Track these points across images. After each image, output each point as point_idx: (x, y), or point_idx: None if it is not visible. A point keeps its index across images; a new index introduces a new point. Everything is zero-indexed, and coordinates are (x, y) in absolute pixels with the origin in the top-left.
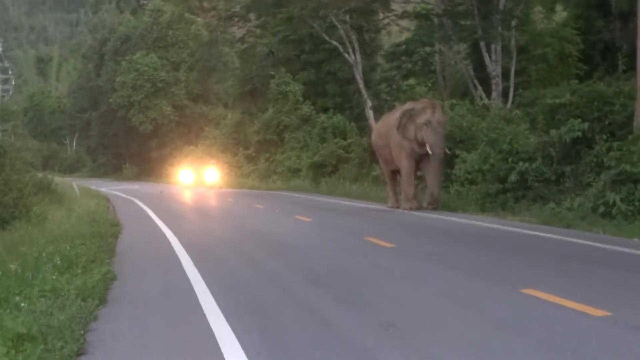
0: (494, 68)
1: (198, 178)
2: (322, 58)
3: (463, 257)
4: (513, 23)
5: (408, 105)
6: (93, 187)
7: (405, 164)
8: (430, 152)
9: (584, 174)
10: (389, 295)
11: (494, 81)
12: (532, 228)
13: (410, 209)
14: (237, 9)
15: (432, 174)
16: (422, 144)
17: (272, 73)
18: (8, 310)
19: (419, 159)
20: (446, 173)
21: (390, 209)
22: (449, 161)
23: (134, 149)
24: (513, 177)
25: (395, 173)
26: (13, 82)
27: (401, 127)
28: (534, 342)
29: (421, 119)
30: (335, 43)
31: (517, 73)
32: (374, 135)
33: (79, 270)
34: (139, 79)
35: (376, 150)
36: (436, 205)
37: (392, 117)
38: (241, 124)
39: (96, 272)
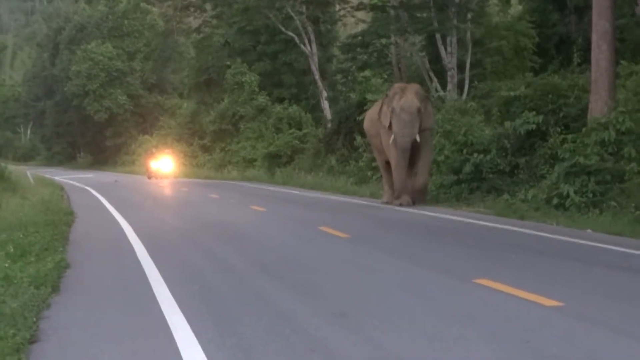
0: (449, 60)
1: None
2: (278, 49)
3: (417, 248)
4: (469, 16)
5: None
6: (47, 176)
7: (393, 154)
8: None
9: (538, 165)
10: (343, 285)
11: (449, 73)
12: (486, 219)
13: (401, 203)
14: None
15: (418, 166)
16: None
17: (228, 63)
18: None
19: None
20: None
21: (384, 205)
22: None
23: (88, 138)
24: (467, 169)
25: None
26: None
27: (382, 115)
28: (487, 331)
29: (390, 106)
30: (291, 34)
31: (472, 65)
32: (366, 122)
33: (32, 258)
34: (94, 68)
35: (369, 138)
36: (406, 201)
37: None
38: (196, 114)
39: (49, 260)
